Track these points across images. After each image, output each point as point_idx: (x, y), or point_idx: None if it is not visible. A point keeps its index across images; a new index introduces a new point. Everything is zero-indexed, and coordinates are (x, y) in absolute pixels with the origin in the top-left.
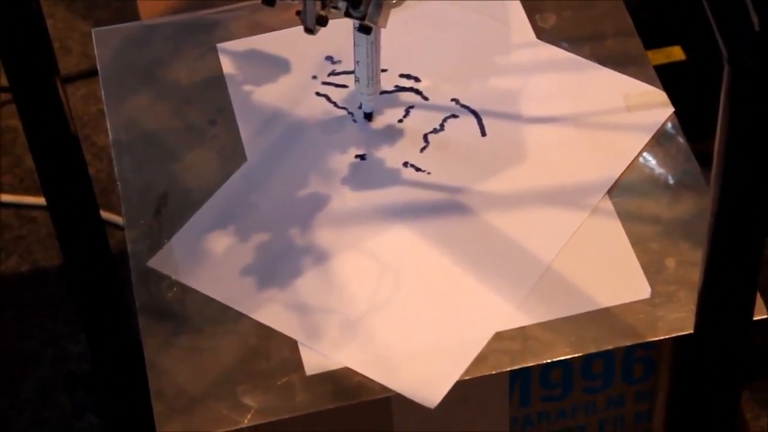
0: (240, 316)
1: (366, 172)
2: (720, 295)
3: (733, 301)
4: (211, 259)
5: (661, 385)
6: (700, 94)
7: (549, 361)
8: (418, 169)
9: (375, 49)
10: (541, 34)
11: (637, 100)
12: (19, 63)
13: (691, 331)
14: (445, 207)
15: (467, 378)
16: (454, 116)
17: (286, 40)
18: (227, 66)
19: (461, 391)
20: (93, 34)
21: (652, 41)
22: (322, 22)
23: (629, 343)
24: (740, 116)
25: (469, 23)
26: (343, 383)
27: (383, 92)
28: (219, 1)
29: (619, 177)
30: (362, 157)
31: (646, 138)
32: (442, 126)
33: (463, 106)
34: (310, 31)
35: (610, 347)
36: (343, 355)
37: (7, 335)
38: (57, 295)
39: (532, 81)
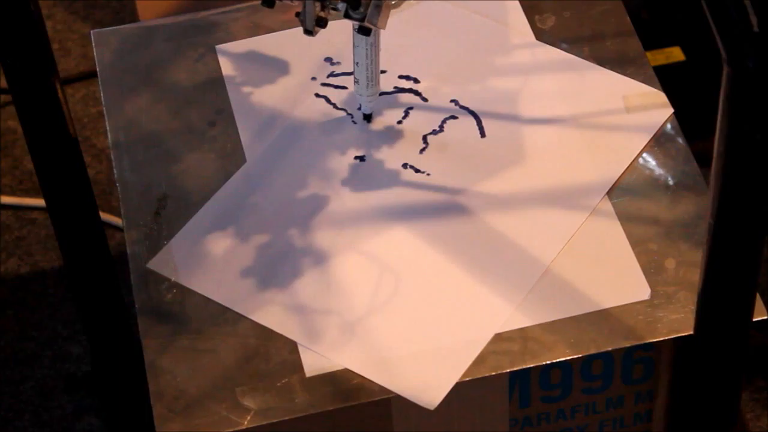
0: (239, 317)
1: (365, 174)
2: (720, 296)
3: (732, 302)
4: (210, 261)
5: (660, 385)
6: (700, 95)
7: (549, 362)
8: (417, 171)
9: (374, 50)
10: (541, 35)
11: (637, 101)
12: (18, 64)
13: (691, 332)
14: (445, 208)
15: (467, 379)
16: (454, 117)
17: (286, 42)
18: (226, 67)
19: (461, 392)
20: (92, 35)
21: (651, 42)
22: (322, 23)
23: (629, 344)
24: (739, 117)
25: (468, 24)
26: (343, 384)
27: (382, 93)
28: (218, 3)
29: (619, 178)
30: (361, 158)
31: (645, 139)
32: (441, 127)
33: (463, 107)
34: (309, 32)
35: (610, 348)
36: (342, 356)
37: (6, 336)
38: (57, 297)
39: (531, 82)
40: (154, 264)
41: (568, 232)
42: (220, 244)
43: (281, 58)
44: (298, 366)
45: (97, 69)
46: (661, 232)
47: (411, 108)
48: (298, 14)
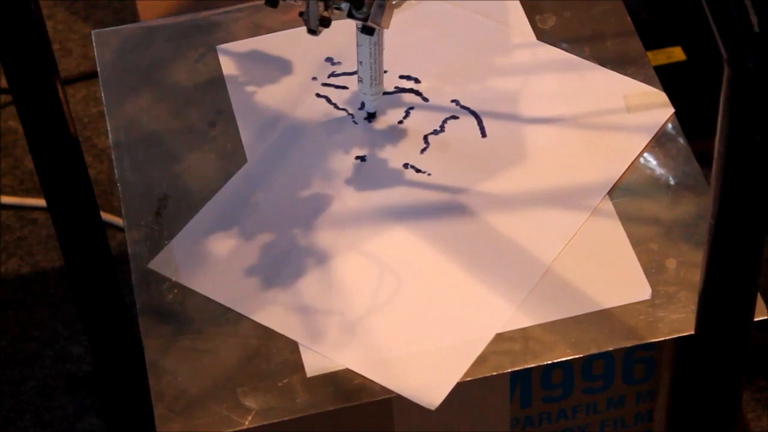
0: (240, 317)
1: (366, 174)
2: (721, 295)
3: (733, 301)
4: (211, 261)
5: (662, 385)
6: (700, 95)
7: (550, 362)
8: (418, 171)
9: (378, 49)
10: (541, 35)
11: (638, 100)
12: (19, 65)
13: (692, 332)
14: (446, 208)
15: (468, 379)
16: (455, 117)
17: (286, 42)
18: (227, 67)
19: (462, 392)
20: (93, 35)
21: (652, 42)
22: (325, 23)
23: (630, 344)
24: (740, 117)
25: (468, 24)
26: (344, 385)
27: (383, 93)
28: (219, 3)
29: (620, 178)
30: (362, 158)
31: (646, 139)
32: (442, 127)
33: (463, 107)
34: (313, 32)
35: (611, 348)
36: (343, 356)
37: (7, 337)
38: (57, 297)
39: (532, 82)
40: (155, 264)
41: (568, 232)
42: (221, 244)
43: (282, 58)
44: (299, 366)
45: (98, 69)
46: (662, 232)
47: (412, 108)
48: (301, 14)
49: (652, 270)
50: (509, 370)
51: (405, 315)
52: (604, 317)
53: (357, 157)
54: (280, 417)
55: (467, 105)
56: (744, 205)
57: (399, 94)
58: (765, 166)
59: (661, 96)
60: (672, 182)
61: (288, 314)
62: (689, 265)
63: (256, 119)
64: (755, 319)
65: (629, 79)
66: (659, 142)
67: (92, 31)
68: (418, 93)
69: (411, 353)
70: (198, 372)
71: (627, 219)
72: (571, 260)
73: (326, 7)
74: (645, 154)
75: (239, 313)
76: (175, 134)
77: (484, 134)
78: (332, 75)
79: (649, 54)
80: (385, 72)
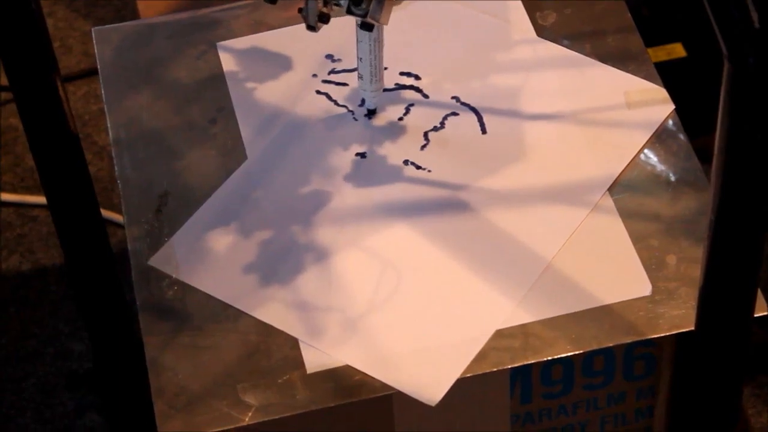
0: (240, 314)
1: (366, 170)
2: (721, 291)
3: (734, 297)
4: (211, 258)
5: (662, 381)
6: (701, 92)
7: (550, 358)
8: (418, 167)
9: (377, 45)
10: (542, 31)
11: (638, 97)
12: (19, 62)
13: (692, 328)
14: (446, 205)
15: (468, 375)
16: (455, 114)
17: (286, 39)
18: (227, 64)
19: (462, 388)
20: (93, 32)
21: (652, 38)
22: (324, 19)
23: (630, 340)
24: (740, 113)
25: (469, 21)
26: (344, 381)
27: (383, 90)
28: (219, 0)
29: (620, 174)
30: (362, 155)
31: (646, 135)
32: (442, 124)
33: (464, 103)
34: (312, 28)
35: (611, 344)
36: (343, 352)
37: (8, 334)
38: (58, 294)
39: (532, 78)
40: (156, 261)
41: (569, 228)
42: (221, 241)
43: (282, 55)
44: (300, 362)
45: (98, 66)
46: (662, 229)
47: (412, 104)
48: (300, 10)
49: (653, 266)
50: (509, 367)
51: (405, 311)
52: (604, 313)
53: (357, 154)
54: (281, 413)
55: (467, 102)
56: (744, 201)
57: (399, 90)
58: (765, 163)
59: (662, 92)
60: (672, 178)
61: (288, 311)
62: (689, 261)
63: (257, 116)
64: (755, 315)
65: (630, 75)
66: (660, 138)
67: (92, 29)
68: (418, 90)
69: (411, 349)
70: (198, 369)
71: (627, 215)
72: (571, 256)
73: (325, 4)
74: (645, 151)
75: (239, 310)
76: (175, 131)
77: (484, 131)
78: (332, 72)
79: (650, 50)
80: (386, 69)
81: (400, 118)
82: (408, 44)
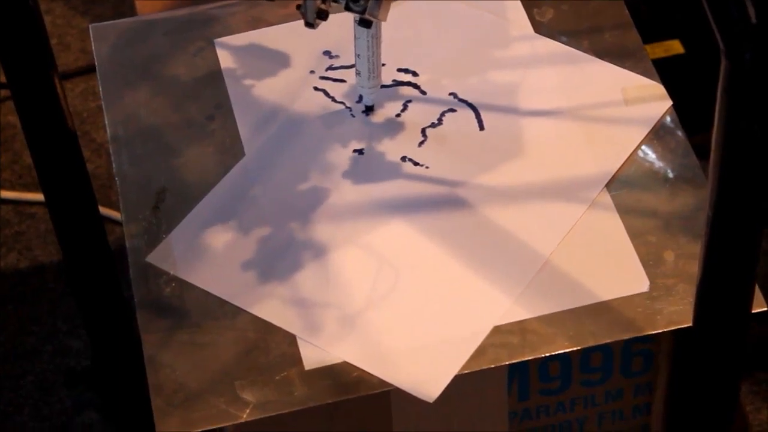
0: (238, 310)
1: (364, 167)
2: (718, 287)
3: (731, 293)
4: (209, 254)
5: (660, 378)
6: (699, 88)
7: (547, 354)
8: (416, 164)
9: (375, 42)
10: (539, 27)
11: (636, 93)
12: (16, 59)
13: (690, 324)
14: (444, 201)
15: (466, 372)
16: (452, 110)
17: (284, 35)
18: (225, 61)
19: (460, 385)
20: (90, 29)
21: (650, 35)
22: (323, 15)
23: (628, 337)
24: (737, 110)
25: (466, 17)
26: (342, 378)
27: (381, 87)
28: None
29: (618, 170)
30: (360, 151)
31: (644, 131)
32: (440, 120)
33: (461, 100)
34: (310, 25)
35: (609, 341)
36: (341, 349)
37: (6, 331)
38: (56, 291)
39: (530, 75)
40: (153, 258)
41: (566, 224)
42: (219, 237)
43: (280, 52)
44: (297, 359)
45: (96, 63)
46: (660, 225)
47: (410, 101)
48: (299, 7)
49: (650, 262)
50: (507, 363)
51: (403, 308)
52: (602, 310)
53: (355, 151)
54: (278, 410)
55: (465, 98)
56: (742, 198)
57: (397, 87)
58: (762, 158)
59: (660, 89)
60: (670, 175)
61: (286, 307)
62: (687, 257)
63: (254, 113)
64: (753, 311)
65: (627, 71)
66: (657, 134)
67: (90, 26)
68: (416, 86)
69: (409, 346)
70: (196, 365)
71: (625, 211)
72: (569, 253)
73: (323, 1)
74: (643, 147)
75: (237, 307)
76: (173, 128)
77: (482, 127)
78: (330, 68)
79: (648, 47)
80: (383, 65)
81: (398, 115)
82: (406, 41)
